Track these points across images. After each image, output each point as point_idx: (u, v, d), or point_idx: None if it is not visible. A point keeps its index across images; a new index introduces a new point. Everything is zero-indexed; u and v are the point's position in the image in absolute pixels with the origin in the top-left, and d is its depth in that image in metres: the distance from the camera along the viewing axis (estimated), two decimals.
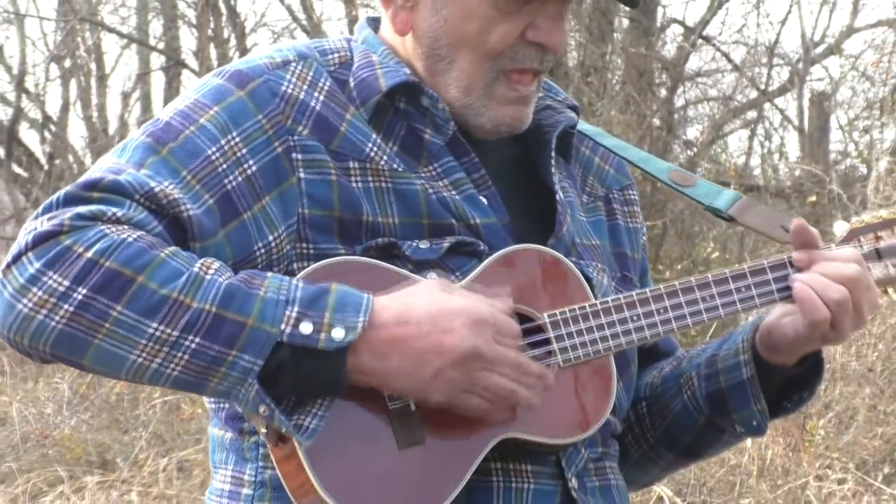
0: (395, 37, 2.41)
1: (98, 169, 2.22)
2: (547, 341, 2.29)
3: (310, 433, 2.14)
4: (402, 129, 2.36)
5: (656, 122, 13.79)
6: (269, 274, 2.17)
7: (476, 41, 2.33)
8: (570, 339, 2.30)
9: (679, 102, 15.23)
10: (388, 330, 2.13)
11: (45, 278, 2.08)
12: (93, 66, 17.22)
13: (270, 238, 2.25)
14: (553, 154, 2.43)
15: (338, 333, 2.11)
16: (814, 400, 9.50)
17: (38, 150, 16.78)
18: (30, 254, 2.10)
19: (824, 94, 14.55)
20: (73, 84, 17.20)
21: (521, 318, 2.28)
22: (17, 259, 2.11)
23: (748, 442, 8.65)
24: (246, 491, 2.33)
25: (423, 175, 2.33)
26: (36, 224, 2.13)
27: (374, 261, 2.24)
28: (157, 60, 17.93)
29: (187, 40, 17.28)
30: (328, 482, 2.17)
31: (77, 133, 17.92)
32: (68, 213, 2.12)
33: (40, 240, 2.10)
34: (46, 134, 16.79)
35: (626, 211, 2.59)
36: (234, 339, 2.09)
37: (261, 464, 2.30)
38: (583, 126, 2.55)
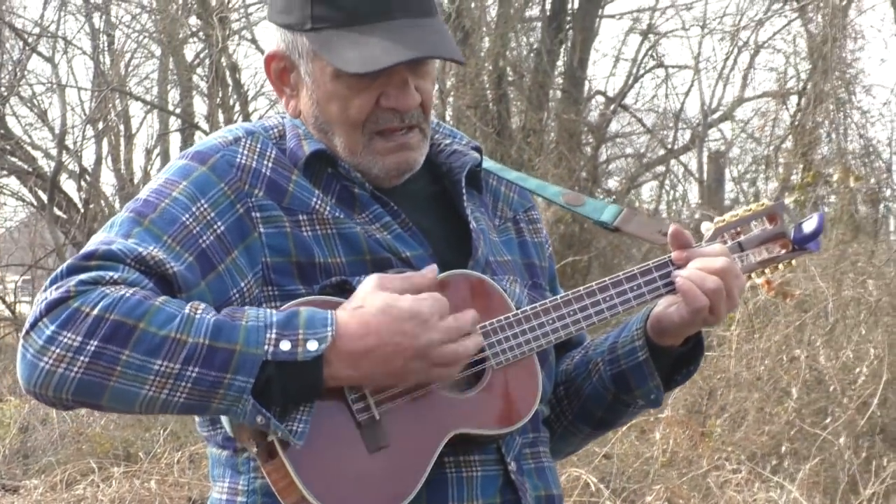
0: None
1: (93, 243, 2.22)
2: (482, 349, 2.30)
3: (300, 435, 2.15)
4: (336, 186, 2.37)
5: (584, 174, 13.82)
6: (247, 307, 2.18)
7: (341, 117, 2.35)
8: (500, 345, 2.31)
9: (602, 158, 15.29)
10: (353, 343, 2.15)
11: (60, 337, 2.08)
12: (121, 127, 17.30)
13: (242, 284, 2.26)
14: (464, 190, 2.44)
15: (312, 346, 2.12)
16: (712, 402, 9.51)
17: (76, 197, 16.72)
18: (45, 319, 2.10)
19: (720, 152, 14.61)
20: (104, 142, 17.21)
21: None
22: (34, 325, 2.11)
23: (657, 436, 8.64)
24: (240, 499, 2.32)
25: (359, 221, 2.34)
26: (46, 294, 2.13)
27: (330, 297, 2.25)
28: (174, 123, 17.89)
29: (199, 106, 17.31)
30: (312, 485, 2.17)
31: (108, 182, 17.85)
32: (73, 281, 2.12)
33: (52, 306, 2.10)
34: (83, 183, 16.74)
35: (530, 228, 2.59)
36: (227, 364, 2.10)
37: (252, 475, 2.29)
38: (488, 164, 2.56)
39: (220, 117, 15.73)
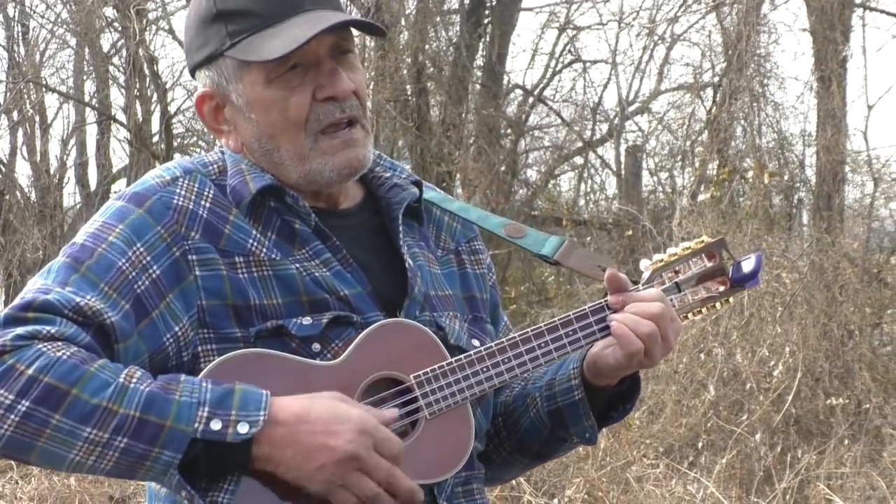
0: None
1: (30, 290, 2.20)
2: (415, 399, 2.30)
3: None
4: (277, 221, 2.35)
5: (503, 167, 13.87)
6: (183, 377, 2.16)
7: (283, 122, 2.34)
8: (433, 395, 2.30)
9: (520, 151, 15.35)
10: (286, 427, 2.14)
11: None
12: (36, 118, 17.04)
13: (176, 328, 2.24)
14: (401, 227, 2.43)
15: (242, 428, 2.11)
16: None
17: None
18: None
19: (637, 146, 14.72)
20: (20, 133, 16.98)
21: (392, 381, 2.29)
22: None
23: None
24: None
25: (297, 258, 2.33)
26: None
27: (267, 351, 2.24)
28: (90, 114, 17.70)
29: (116, 97, 17.13)
30: None
31: (23, 173, 17.64)
32: (9, 334, 2.10)
33: None
34: None
35: (472, 259, 2.59)
36: (155, 438, 2.09)
37: None
38: (431, 195, 2.56)
39: (138, 108, 15.60)
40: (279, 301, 2.29)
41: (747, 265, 2.55)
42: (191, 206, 2.30)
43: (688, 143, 13.10)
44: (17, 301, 2.18)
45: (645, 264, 2.53)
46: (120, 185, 20.87)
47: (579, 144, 15.47)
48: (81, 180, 21.48)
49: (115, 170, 20.95)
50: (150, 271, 2.24)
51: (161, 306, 2.23)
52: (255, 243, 2.31)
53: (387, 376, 2.28)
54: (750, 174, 10.87)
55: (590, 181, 15.66)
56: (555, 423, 2.52)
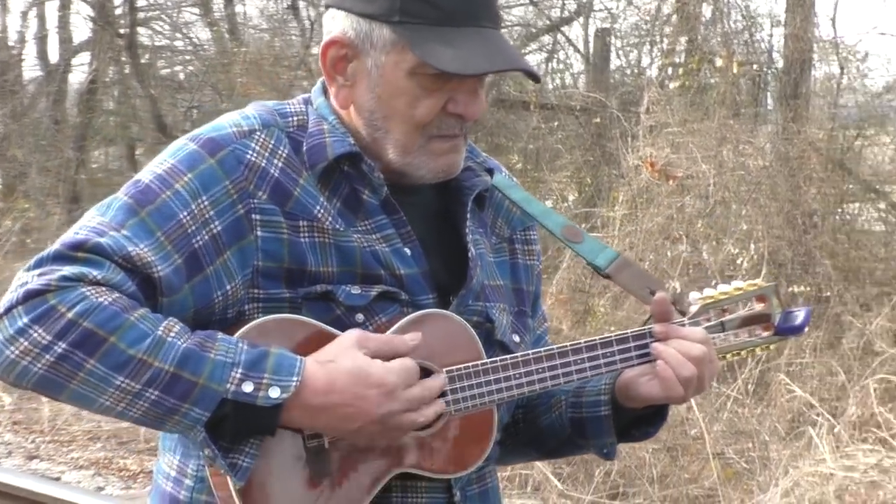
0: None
1: (85, 227, 2.19)
2: (444, 394, 2.30)
3: (242, 472, 2.17)
4: (345, 189, 2.33)
5: None
6: (220, 336, 2.16)
7: (405, 115, 2.30)
8: (461, 392, 2.31)
9: None
10: (316, 397, 2.14)
11: (31, 331, 2.07)
12: None
13: (228, 287, 2.23)
14: (469, 215, 2.43)
15: (274, 393, 2.11)
16: (596, 281, 9.73)
17: None
18: (20, 307, 2.08)
19: (606, 28, 14.68)
20: None
21: (424, 371, 2.28)
22: (8, 311, 2.09)
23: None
24: (188, 482, 2.33)
25: (359, 229, 2.32)
26: (27, 278, 2.11)
27: (304, 319, 2.24)
28: None
29: None
30: None
31: None
32: (56, 273, 2.10)
33: (30, 296, 2.08)
34: None
35: (524, 249, 2.58)
36: (187, 395, 2.10)
37: (202, 462, 2.30)
38: (497, 179, 2.54)
39: None
40: (334, 269, 2.28)
41: (797, 317, 2.53)
42: (263, 164, 2.27)
43: (656, 25, 13.11)
44: (69, 236, 2.16)
45: (694, 297, 2.48)
46: (82, 59, 20.70)
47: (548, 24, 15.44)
48: (42, 55, 21.30)
49: (76, 43, 20.78)
50: (212, 226, 2.22)
51: (217, 263, 2.22)
52: (322, 210, 2.29)
53: (420, 365, 2.26)
54: (719, 63, 10.90)
55: (559, 64, 15.66)
56: (575, 431, 2.54)
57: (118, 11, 18.81)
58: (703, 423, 7.56)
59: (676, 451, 7.75)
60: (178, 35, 20.44)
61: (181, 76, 20.93)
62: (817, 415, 7.58)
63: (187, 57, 20.58)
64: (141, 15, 19.17)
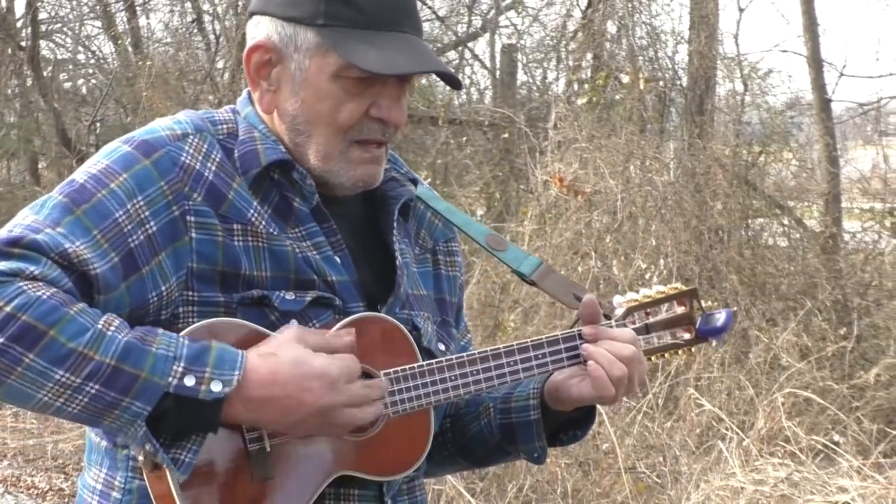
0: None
1: (20, 225, 2.16)
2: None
3: (185, 467, 2.15)
4: (276, 197, 2.34)
5: None
6: (161, 331, 2.15)
7: (328, 118, 2.33)
8: (399, 395, 2.33)
9: None
10: (257, 390, 2.14)
11: None
12: None
13: (163, 288, 2.22)
14: (395, 224, 2.45)
15: (216, 387, 2.11)
16: (506, 296, 9.78)
17: None
18: None
19: (512, 44, 14.75)
20: None
21: (363, 374, 2.29)
22: None
23: None
24: (115, 495, 2.31)
25: (290, 236, 2.33)
26: None
27: (249, 324, 2.24)
28: None
29: None
30: None
31: None
32: None
33: None
34: None
35: (447, 261, 2.61)
36: (128, 388, 2.08)
37: (130, 474, 2.29)
38: (421, 191, 2.56)
39: None
40: (267, 274, 2.28)
41: (717, 319, 2.60)
42: (197, 167, 2.28)
43: (562, 42, 13.19)
44: (3, 233, 2.14)
45: (619, 300, 2.55)
46: None
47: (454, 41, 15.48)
48: None
49: None
50: (147, 227, 2.21)
51: (153, 263, 2.21)
52: (255, 214, 2.30)
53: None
54: (626, 80, 11.01)
55: (466, 80, 15.70)
56: (504, 437, 2.57)
57: (19, 24, 18.53)
58: (614, 438, 7.60)
59: (588, 466, 7.78)
60: (81, 48, 20.22)
61: (84, 90, 20.68)
62: (726, 429, 7.65)
63: (90, 70, 20.34)
64: (43, 28, 18.90)
